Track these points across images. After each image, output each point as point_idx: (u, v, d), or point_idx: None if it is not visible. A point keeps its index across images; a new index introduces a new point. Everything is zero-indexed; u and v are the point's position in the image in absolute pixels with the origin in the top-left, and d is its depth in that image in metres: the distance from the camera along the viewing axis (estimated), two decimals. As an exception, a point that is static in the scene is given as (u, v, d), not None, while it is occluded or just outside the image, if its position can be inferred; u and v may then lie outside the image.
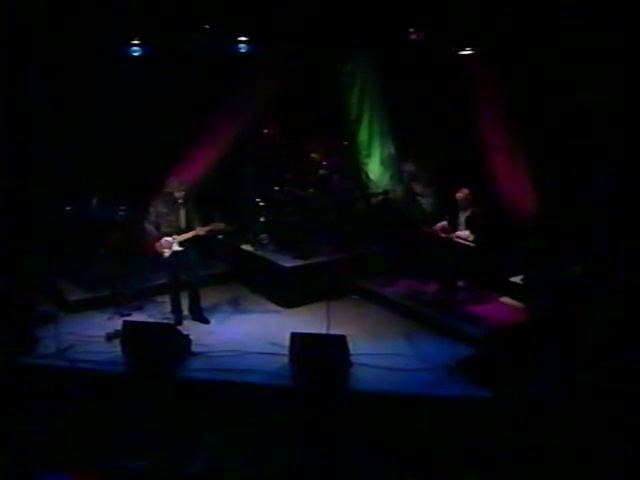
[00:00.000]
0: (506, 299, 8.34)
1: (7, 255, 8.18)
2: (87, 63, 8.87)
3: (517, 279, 8.26)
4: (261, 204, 9.56)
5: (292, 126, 9.85)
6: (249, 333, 7.99)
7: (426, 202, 9.09)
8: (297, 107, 9.78)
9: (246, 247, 9.57)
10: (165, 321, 8.10)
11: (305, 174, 9.74)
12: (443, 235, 8.14)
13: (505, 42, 8.22)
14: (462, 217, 8.18)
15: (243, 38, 9.12)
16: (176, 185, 7.96)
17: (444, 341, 7.52)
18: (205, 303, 8.47)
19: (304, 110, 9.75)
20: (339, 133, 10.14)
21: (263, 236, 9.50)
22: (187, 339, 7.52)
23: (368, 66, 10.08)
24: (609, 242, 7.54)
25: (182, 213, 8.00)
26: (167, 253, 7.96)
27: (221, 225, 8.17)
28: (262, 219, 9.54)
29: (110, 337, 7.67)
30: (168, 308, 8.34)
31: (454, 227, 8.21)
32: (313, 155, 9.78)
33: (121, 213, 8.90)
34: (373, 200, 9.93)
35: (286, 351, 7.25)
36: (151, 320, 8.12)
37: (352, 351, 7.06)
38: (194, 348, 7.49)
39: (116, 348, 7.44)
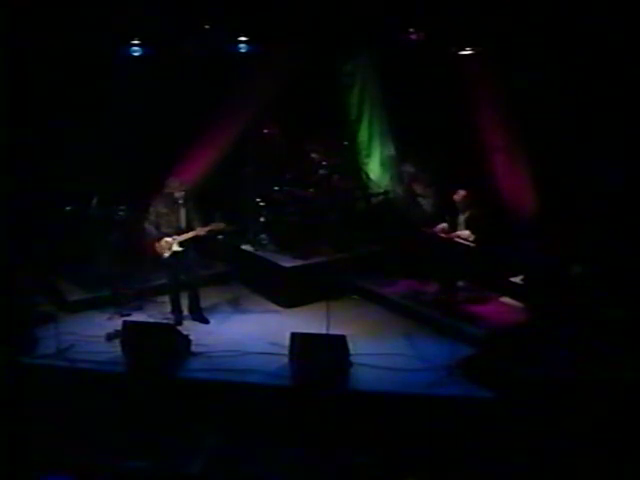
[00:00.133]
0: (506, 299, 8.34)
1: (7, 255, 8.17)
2: (87, 63, 8.87)
3: (517, 279, 8.27)
4: (261, 204, 9.55)
5: (292, 126, 9.85)
6: (249, 333, 7.99)
7: (426, 202, 9.09)
8: (297, 107, 9.77)
9: (246, 247, 9.57)
10: (165, 321, 8.10)
11: (305, 174, 9.74)
12: (443, 235, 8.14)
13: (505, 42, 8.22)
14: (461, 218, 8.18)
15: (243, 38, 9.12)
16: (176, 185, 7.96)
17: (444, 341, 7.51)
18: (205, 303, 8.47)
19: (304, 110, 9.75)
20: (339, 133, 10.13)
21: (263, 236, 9.49)
22: (187, 339, 7.52)
23: (368, 66, 10.08)
24: (609, 241, 7.55)
25: (182, 213, 8.00)
26: (167, 253, 7.96)
27: (221, 225, 8.17)
28: (262, 219, 9.54)
29: (110, 337, 7.67)
30: (168, 308, 8.34)
31: (454, 228, 8.20)
32: (313, 155, 9.77)
33: (121, 213, 8.89)
34: (373, 200, 9.94)
35: (286, 351, 7.25)
36: (151, 320, 8.12)
37: (352, 351, 7.07)
38: (194, 348, 7.49)
39: (116, 348, 7.44)
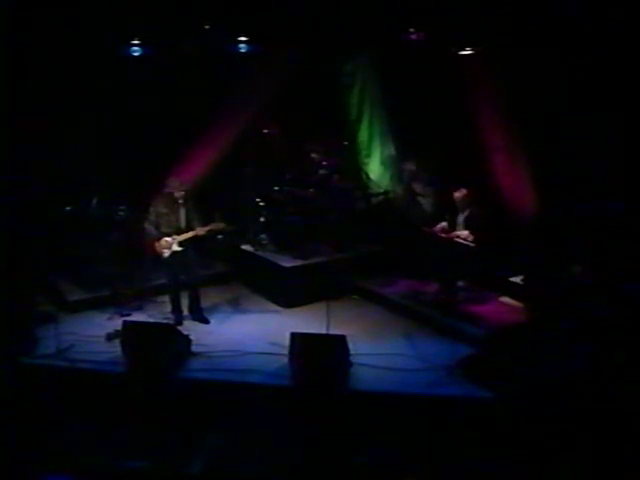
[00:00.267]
0: (506, 299, 8.34)
1: (7, 255, 8.17)
2: (87, 63, 8.87)
3: (517, 279, 8.26)
4: (261, 204, 9.55)
5: (292, 126, 9.85)
6: (249, 333, 7.99)
7: (426, 202, 9.10)
8: (297, 107, 9.77)
9: (246, 247, 9.57)
10: (165, 321, 8.10)
11: (305, 174, 9.74)
12: (443, 235, 8.14)
13: (505, 42, 8.22)
14: (461, 217, 8.18)
15: (243, 38, 9.12)
16: (176, 185, 7.96)
17: (444, 341, 7.52)
18: (205, 303, 8.47)
19: (304, 110, 9.75)
20: (339, 133, 10.13)
21: (263, 236, 9.49)
22: (187, 339, 7.52)
23: (368, 66, 10.08)
24: (609, 241, 7.55)
25: (182, 213, 8.00)
26: (167, 253, 7.96)
27: (221, 225, 8.17)
28: (262, 219, 9.54)
29: (110, 337, 7.67)
30: (168, 308, 8.34)
31: (453, 227, 8.20)
32: (313, 155, 9.77)
33: (121, 213, 8.91)
34: (373, 200, 9.93)
35: (286, 351, 7.25)
36: (151, 320, 8.12)
37: (352, 351, 7.06)
38: (194, 348, 7.49)
39: (116, 348, 7.43)
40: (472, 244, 7.90)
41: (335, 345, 7.05)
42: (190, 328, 7.94)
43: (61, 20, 8.21)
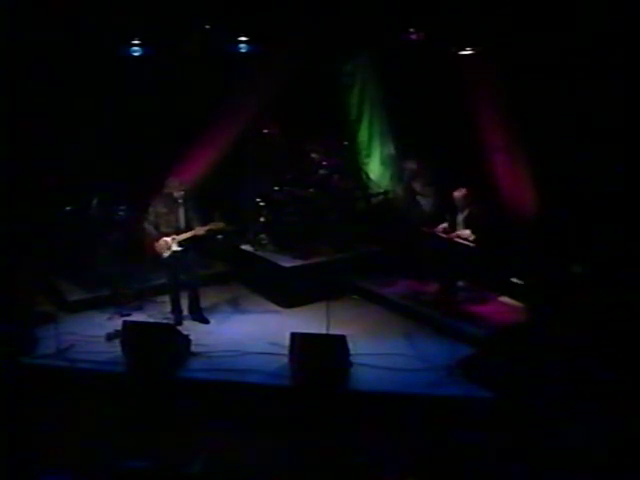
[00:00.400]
0: (506, 299, 8.34)
1: (7, 255, 8.18)
2: (87, 63, 8.87)
3: (517, 279, 8.26)
4: (261, 204, 9.55)
5: (292, 126, 9.85)
6: (249, 333, 7.99)
7: (426, 202, 9.09)
8: (297, 107, 9.77)
9: (246, 247, 9.57)
10: (165, 321, 8.10)
11: (305, 174, 9.74)
12: (443, 235, 8.14)
13: (505, 42, 8.22)
14: (460, 217, 8.17)
15: (243, 38, 9.12)
16: (176, 185, 7.96)
17: (444, 341, 7.52)
18: (205, 303, 8.47)
19: (304, 110, 9.75)
20: (339, 133, 10.13)
21: (263, 236, 9.49)
22: (187, 339, 7.52)
23: (368, 66, 10.09)
24: (609, 242, 7.55)
25: (181, 213, 8.00)
26: (166, 253, 7.96)
27: (220, 225, 8.16)
28: (262, 219, 9.53)
29: (110, 337, 7.67)
30: (168, 308, 8.34)
31: (453, 227, 8.20)
32: (313, 155, 9.77)
33: (121, 213, 8.91)
34: (373, 200, 9.94)
35: (286, 351, 7.25)
36: (151, 320, 8.12)
37: (352, 351, 7.06)
38: (194, 348, 7.49)
39: (116, 348, 7.43)
40: (472, 244, 7.90)
41: (335, 345, 7.05)
42: (190, 328, 7.93)
43: (61, 20, 8.20)
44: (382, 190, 9.96)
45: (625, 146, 7.76)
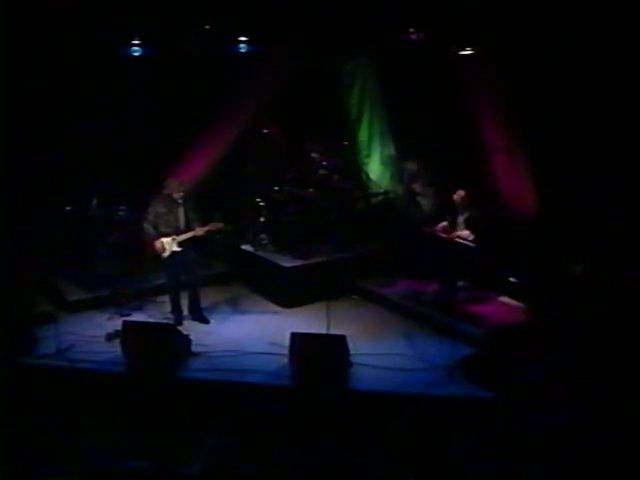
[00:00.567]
0: (506, 299, 8.34)
1: (7, 255, 8.17)
2: (87, 63, 8.88)
3: (517, 279, 8.25)
4: (261, 204, 9.55)
5: (292, 126, 9.85)
6: (249, 333, 7.99)
7: (426, 202, 9.10)
8: (297, 107, 9.77)
9: (246, 247, 9.57)
10: (165, 321, 8.10)
11: (305, 174, 9.74)
12: (443, 235, 8.14)
13: (505, 42, 8.22)
14: (461, 218, 8.18)
15: (243, 38, 9.13)
16: (175, 186, 7.97)
17: (444, 341, 7.51)
18: (205, 303, 8.47)
19: (304, 110, 9.75)
20: (339, 133, 10.14)
21: (263, 236, 9.49)
22: (187, 339, 7.52)
23: (368, 66, 10.09)
24: (609, 241, 7.55)
25: (181, 213, 8.00)
26: (166, 253, 7.96)
27: (220, 225, 8.17)
28: (262, 219, 9.54)
29: (110, 337, 7.67)
30: (168, 308, 8.34)
31: (454, 227, 8.20)
32: (313, 155, 9.78)
33: (121, 213, 8.92)
34: (373, 200, 9.94)
35: (286, 351, 7.25)
36: (151, 320, 8.12)
37: (352, 351, 7.07)
38: (194, 348, 7.50)
39: (116, 348, 7.44)
40: (472, 244, 7.90)
41: (335, 345, 7.06)
42: (190, 328, 7.94)
43: (61, 20, 8.20)
44: (382, 190, 9.96)
45: (626, 145, 7.76)
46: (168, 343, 7.32)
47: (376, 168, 10.28)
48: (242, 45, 9.17)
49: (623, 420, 6.06)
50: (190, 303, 8.30)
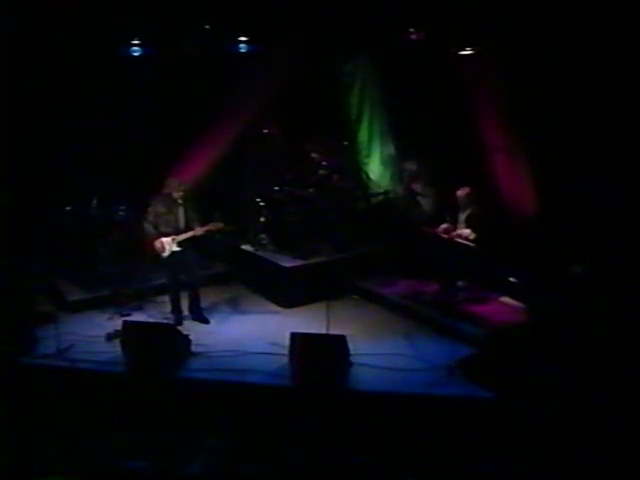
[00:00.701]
0: (506, 299, 8.34)
1: (7, 255, 8.17)
2: (87, 63, 8.88)
3: (517, 279, 8.25)
4: (261, 204, 9.55)
5: (292, 126, 9.85)
6: (249, 333, 7.99)
7: (426, 202, 9.09)
8: (297, 107, 9.77)
9: (246, 247, 9.57)
10: (165, 321, 8.10)
11: (305, 174, 9.74)
12: (443, 235, 8.14)
13: (505, 42, 8.22)
14: (462, 216, 8.17)
15: (243, 38, 9.13)
16: (175, 185, 7.97)
17: (444, 341, 7.52)
18: (205, 303, 8.47)
19: (304, 110, 9.75)
20: (339, 133, 10.14)
21: (263, 236, 9.49)
22: (187, 339, 7.52)
23: (368, 66, 10.09)
24: (609, 242, 7.55)
25: (181, 213, 8.00)
26: (165, 253, 7.96)
27: (220, 225, 8.16)
28: (262, 219, 9.54)
29: (110, 337, 7.67)
30: (168, 308, 8.34)
31: (454, 226, 8.20)
32: (313, 155, 9.78)
33: (121, 213, 8.92)
34: (373, 200, 9.94)
35: (286, 351, 7.25)
36: (151, 320, 8.12)
37: (352, 351, 7.07)
38: (194, 348, 7.49)
39: (116, 348, 7.44)
40: (472, 244, 7.90)
41: (335, 345, 7.06)
42: (190, 328, 7.93)
43: (62, 20, 8.20)
44: (382, 190, 9.96)
45: (626, 144, 7.76)
46: (168, 343, 7.32)
47: (376, 168, 10.28)
48: (242, 45, 9.17)
49: (623, 420, 6.06)
50: (190, 303, 8.30)
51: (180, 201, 7.96)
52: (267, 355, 7.36)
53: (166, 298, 8.41)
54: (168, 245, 7.93)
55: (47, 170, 9.05)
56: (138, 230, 8.32)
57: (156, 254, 8.02)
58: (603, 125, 7.82)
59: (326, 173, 9.67)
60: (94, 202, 8.80)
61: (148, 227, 8.02)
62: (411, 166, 9.36)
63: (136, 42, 8.79)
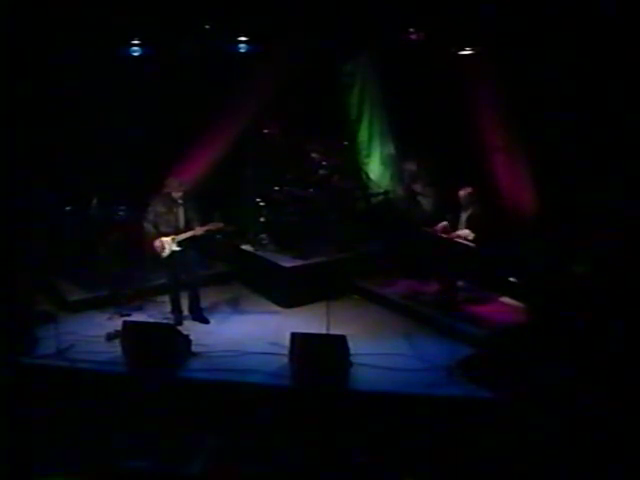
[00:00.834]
0: (506, 299, 8.34)
1: (7, 255, 8.17)
2: (87, 63, 8.87)
3: (517, 279, 8.25)
4: (261, 204, 9.55)
5: (292, 126, 9.85)
6: (249, 333, 7.99)
7: (426, 202, 9.08)
8: (297, 107, 9.77)
9: (246, 247, 9.57)
10: (165, 321, 8.10)
11: (305, 174, 9.74)
12: (444, 235, 8.14)
13: (505, 42, 8.22)
14: (463, 216, 8.17)
15: (243, 38, 9.13)
16: (175, 185, 7.96)
17: (444, 341, 7.51)
18: (205, 303, 8.47)
19: (304, 110, 9.75)
20: (339, 133, 10.13)
21: (263, 236, 9.49)
22: (187, 339, 7.52)
23: (368, 66, 10.08)
24: (609, 243, 7.55)
25: (181, 213, 8.00)
26: (165, 253, 7.96)
27: (220, 225, 8.17)
28: (262, 219, 9.54)
29: (110, 337, 7.67)
30: (168, 308, 8.34)
31: (455, 227, 8.20)
32: (313, 155, 9.78)
33: (121, 213, 8.92)
34: (373, 200, 9.94)
35: (286, 351, 7.25)
36: (151, 320, 8.12)
37: (352, 351, 7.06)
38: (194, 348, 7.49)
39: (116, 348, 7.44)
40: (472, 244, 7.90)
41: (335, 345, 7.05)
42: (190, 328, 7.93)
43: (61, 20, 8.20)
44: (382, 190, 9.96)
45: (626, 144, 7.76)
46: (168, 343, 7.32)
47: (376, 168, 10.28)
48: (242, 45, 9.16)
49: (623, 419, 6.06)
50: (190, 303, 8.30)
51: (180, 201, 7.95)
52: (267, 355, 7.36)
53: (166, 298, 8.42)
54: (168, 245, 7.93)
55: (47, 170, 9.05)
56: (138, 230, 8.32)
57: (156, 254, 8.02)
58: (603, 125, 7.82)
59: (326, 173, 9.66)
60: (94, 202, 8.80)
61: (148, 227, 8.02)
62: (411, 166, 9.35)
63: (136, 42, 8.79)
